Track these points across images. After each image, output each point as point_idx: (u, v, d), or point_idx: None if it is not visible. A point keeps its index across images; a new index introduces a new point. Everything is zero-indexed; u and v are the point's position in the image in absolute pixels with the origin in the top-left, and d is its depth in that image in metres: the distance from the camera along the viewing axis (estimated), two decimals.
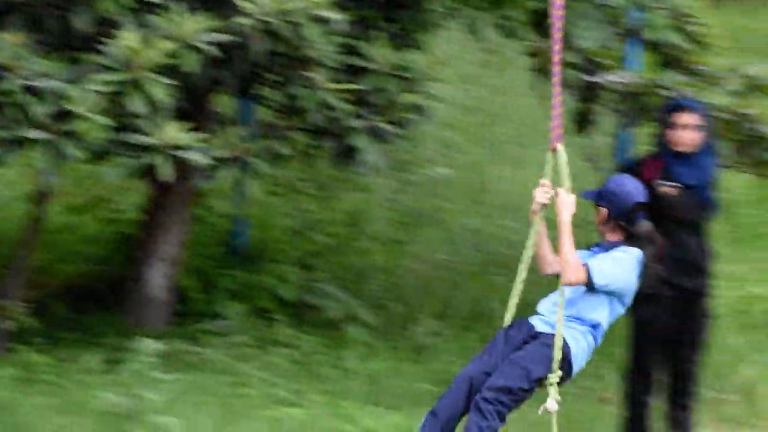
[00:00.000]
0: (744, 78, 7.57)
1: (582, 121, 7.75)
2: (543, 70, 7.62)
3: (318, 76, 6.21)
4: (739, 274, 8.84)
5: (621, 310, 5.33)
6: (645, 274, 5.31)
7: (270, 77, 6.57)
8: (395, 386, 6.98)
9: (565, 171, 5.19)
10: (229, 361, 6.91)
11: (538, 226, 5.28)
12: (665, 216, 6.36)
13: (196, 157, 5.97)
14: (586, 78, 7.47)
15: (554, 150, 5.22)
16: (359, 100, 6.35)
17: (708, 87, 7.52)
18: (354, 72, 6.39)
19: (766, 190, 9.86)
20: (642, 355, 6.51)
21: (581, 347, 5.19)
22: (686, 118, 6.42)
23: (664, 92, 7.29)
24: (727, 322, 8.01)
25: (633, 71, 7.57)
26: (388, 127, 6.38)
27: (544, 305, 5.34)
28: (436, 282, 7.98)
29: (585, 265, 5.15)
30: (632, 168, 6.59)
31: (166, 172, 5.88)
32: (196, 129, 6.07)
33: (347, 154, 6.46)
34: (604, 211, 5.32)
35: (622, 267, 5.22)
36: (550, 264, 5.32)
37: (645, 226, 5.37)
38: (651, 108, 7.38)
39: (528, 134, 9.96)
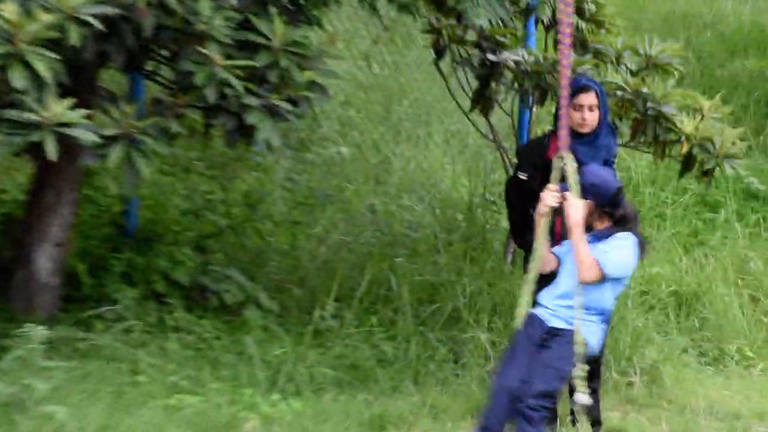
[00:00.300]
0: (641, 57, 7.57)
1: (482, 100, 7.67)
2: (443, 48, 7.52)
3: (210, 52, 6.03)
4: None
5: (621, 289, 5.79)
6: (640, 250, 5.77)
7: (160, 52, 6.42)
8: (296, 372, 6.94)
9: (572, 176, 5.56)
10: (122, 348, 6.78)
11: (545, 228, 5.64)
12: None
13: (83, 135, 5.75)
14: (485, 57, 7.39)
15: (560, 157, 5.60)
16: (254, 76, 6.19)
17: (606, 66, 7.50)
18: (248, 48, 6.21)
19: (664, 170, 9.95)
20: None
21: (598, 337, 5.64)
22: (584, 98, 6.37)
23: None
24: (629, 304, 8.04)
25: (532, 50, 7.51)
26: (284, 105, 6.23)
27: (547, 298, 5.68)
28: (336, 264, 7.93)
29: (596, 260, 5.56)
30: (536, 147, 6.51)
31: (51, 150, 5.64)
32: (82, 105, 5.85)
33: (242, 133, 6.31)
34: (589, 203, 5.65)
35: (627, 254, 5.66)
36: (549, 262, 5.73)
37: (629, 207, 5.77)
38: (550, 87, 7.34)
39: (427, 112, 9.94)
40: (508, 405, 5.37)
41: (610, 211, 5.69)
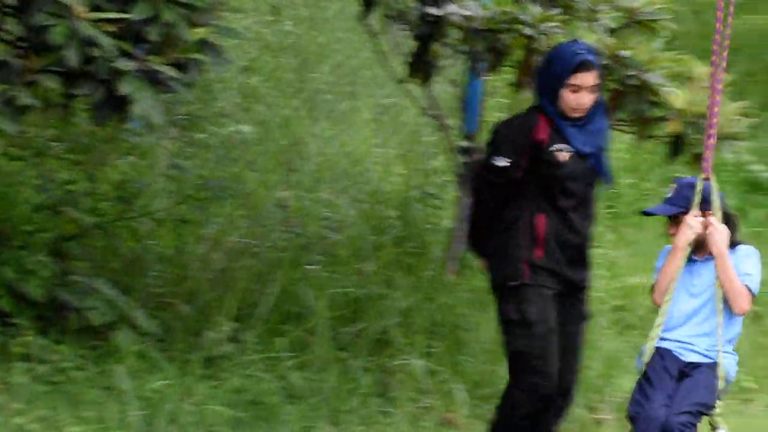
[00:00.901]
0: (622, 11, 7.63)
1: (421, 66, 7.69)
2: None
3: (71, 2, 5.96)
4: (613, 259, 8.97)
5: None
6: None
7: (4, 1, 6.30)
8: (181, 411, 6.94)
9: (716, 201, 6.18)
10: None
11: (684, 258, 6.25)
12: (557, 190, 6.33)
13: None
14: (425, 10, 7.40)
15: (707, 178, 6.21)
16: (128, 33, 6.16)
17: (577, 23, 7.54)
18: None
19: (648, 155, 10.05)
20: (535, 364, 6.39)
21: (735, 368, 6.34)
22: (585, 77, 6.38)
23: (524, 29, 7.28)
24: (601, 322, 8.11)
25: (485, 2, 7.55)
26: (168, 71, 6.20)
27: (666, 331, 6.29)
28: (235, 273, 7.92)
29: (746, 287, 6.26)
30: (520, 127, 6.47)
31: None
32: None
33: (114, 106, 6.26)
34: (710, 214, 6.26)
35: (759, 265, 6.28)
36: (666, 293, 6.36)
37: (731, 212, 6.40)
38: (507, 50, 7.36)
39: (352, 81, 9.97)
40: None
41: (726, 218, 6.26)
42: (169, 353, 7.33)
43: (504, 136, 6.49)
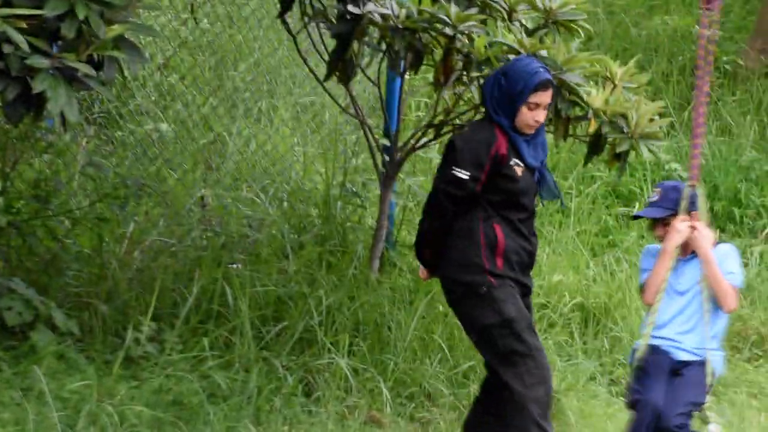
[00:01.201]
0: (540, 11, 7.67)
1: (341, 65, 7.67)
2: None
3: None
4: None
5: None
6: None
7: None
8: (101, 411, 6.89)
9: (703, 206, 6.63)
10: None
11: (672, 260, 6.66)
12: (512, 203, 6.38)
13: None
14: (345, 8, 7.39)
15: (693, 185, 6.62)
16: (43, 30, 6.07)
17: (495, 22, 7.57)
18: None
19: (567, 153, 10.12)
20: (532, 356, 6.40)
21: (722, 364, 6.78)
22: (544, 96, 6.47)
23: (444, 29, 7.30)
24: None
25: (403, 2, 7.55)
26: (84, 68, 6.11)
27: (657, 328, 6.69)
28: (155, 273, 7.87)
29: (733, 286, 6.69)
30: (481, 140, 6.46)
31: None
32: None
33: (29, 103, 6.17)
34: (696, 214, 6.68)
35: (739, 261, 6.74)
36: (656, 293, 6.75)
37: None
38: (427, 48, 7.37)
39: (272, 80, 9.95)
40: (653, 420, 6.48)
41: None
42: (88, 353, 7.29)
43: (464, 150, 6.49)
